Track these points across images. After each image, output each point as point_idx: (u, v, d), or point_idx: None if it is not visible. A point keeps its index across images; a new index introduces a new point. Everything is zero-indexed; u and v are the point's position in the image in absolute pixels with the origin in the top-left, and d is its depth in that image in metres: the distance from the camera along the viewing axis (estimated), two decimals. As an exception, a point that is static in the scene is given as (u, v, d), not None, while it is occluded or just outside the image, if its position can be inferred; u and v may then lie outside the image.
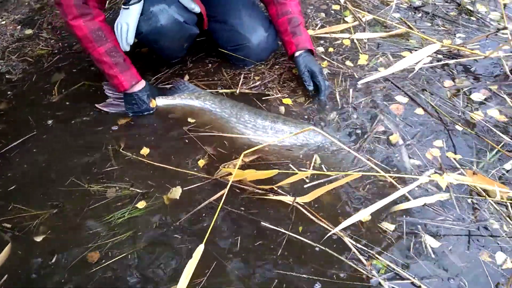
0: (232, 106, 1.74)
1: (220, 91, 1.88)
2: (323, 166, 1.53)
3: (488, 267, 1.26)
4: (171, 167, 1.54)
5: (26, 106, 1.85)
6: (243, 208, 1.41)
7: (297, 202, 1.37)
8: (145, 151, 1.61)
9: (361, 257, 1.26)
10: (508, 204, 1.38)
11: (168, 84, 1.92)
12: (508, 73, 1.88)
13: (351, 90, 1.83)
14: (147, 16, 1.66)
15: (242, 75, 1.94)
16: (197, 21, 1.81)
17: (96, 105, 1.79)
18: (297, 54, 1.82)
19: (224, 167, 1.49)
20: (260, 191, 1.44)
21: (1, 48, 2.21)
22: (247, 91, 1.87)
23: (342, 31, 2.17)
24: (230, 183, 1.24)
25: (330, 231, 1.29)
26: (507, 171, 1.52)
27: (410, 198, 1.40)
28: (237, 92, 1.86)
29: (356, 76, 1.90)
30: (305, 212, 1.37)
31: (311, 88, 1.79)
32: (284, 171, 1.40)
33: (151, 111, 1.77)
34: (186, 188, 1.47)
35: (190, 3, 1.72)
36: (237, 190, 1.46)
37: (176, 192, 1.45)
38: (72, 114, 1.79)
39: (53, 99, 1.88)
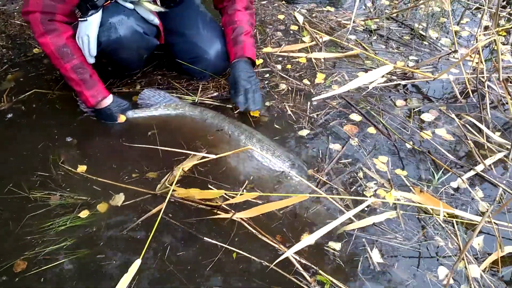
0: (213, 117, 1.73)
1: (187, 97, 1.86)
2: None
3: (433, 285, 1.24)
4: (111, 182, 1.48)
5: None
6: (184, 222, 1.36)
7: (241, 218, 1.32)
8: (81, 168, 1.55)
9: (305, 274, 1.21)
10: (454, 222, 1.38)
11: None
12: (458, 95, 1.94)
13: (307, 107, 1.83)
14: (106, 27, 1.63)
15: (200, 85, 1.93)
16: (156, 33, 1.79)
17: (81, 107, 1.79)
18: (232, 63, 1.81)
19: (165, 181, 1.44)
20: (205, 207, 1.39)
21: None
22: (207, 101, 1.87)
23: (300, 50, 2.19)
24: (167, 198, 1.18)
25: (277, 248, 1.24)
26: (455, 190, 1.53)
27: (355, 220, 1.38)
28: (197, 100, 1.84)
29: (313, 93, 1.91)
30: (249, 227, 1.32)
31: (235, 99, 1.76)
32: (232, 192, 1.36)
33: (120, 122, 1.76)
34: (128, 202, 1.41)
35: (149, 15, 1.71)
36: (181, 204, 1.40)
37: (119, 199, 1.41)
38: (21, 120, 1.74)
39: (2, 107, 1.81)
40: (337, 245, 1.32)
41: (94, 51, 1.64)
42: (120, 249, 1.29)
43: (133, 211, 1.40)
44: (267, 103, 1.85)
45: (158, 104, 1.79)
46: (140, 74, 2.01)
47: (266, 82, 1.98)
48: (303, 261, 1.26)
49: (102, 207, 1.41)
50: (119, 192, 1.45)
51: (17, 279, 1.22)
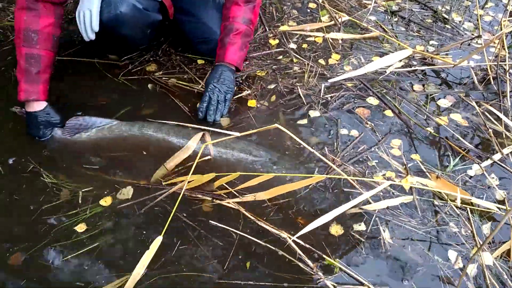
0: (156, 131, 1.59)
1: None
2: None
3: (444, 270, 1.23)
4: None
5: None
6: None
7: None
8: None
9: (308, 261, 1.22)
10: (468, 209, 1.36)
11: (135, 77, 1.84)
12: (476, 82, 1.89)
13: (321, 88, 1.80)
14: (106, 4, 1.59)
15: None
16: (159, 8, 1.75)
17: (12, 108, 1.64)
18: (214, 66, 1.75)
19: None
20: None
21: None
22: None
23: (317, 30, 2.14)
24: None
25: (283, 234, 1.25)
26: (471, 177, 1.51)
27: (371, 201, 1.37)
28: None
29: (327, 75, 1.87)
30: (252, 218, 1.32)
31: (197, 106, 1.67)
32: (247, 173, 1.35)
33: (45, 139, 1.56)
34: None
35: None
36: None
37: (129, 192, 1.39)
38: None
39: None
40: (353, 226, 1.32)
41: (96, 27, 1.60)
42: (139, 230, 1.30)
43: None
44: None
45: (90, 129, 1.58)
46: (151, 56, 1.96)
47: (279, 62, 1.95)
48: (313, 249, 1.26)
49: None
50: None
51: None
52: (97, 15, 1.58)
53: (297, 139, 1.11)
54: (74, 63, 1.90)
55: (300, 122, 1.67)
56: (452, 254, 1.27)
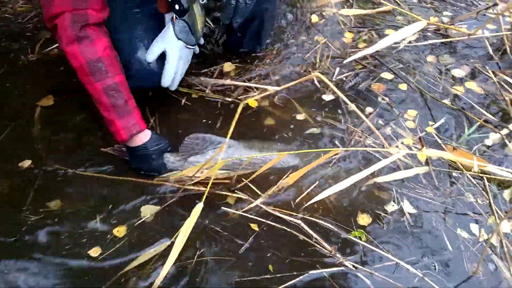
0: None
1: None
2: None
3: (463, 240, 1.26)
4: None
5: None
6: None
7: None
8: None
9: (325, 243, 1.24)
10: (485, 178, 1.37)
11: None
12: (491, 52, 1.87)
13: (336, 67, 1.80)
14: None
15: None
16: None
17: (102, 149, 1.46)
18: None
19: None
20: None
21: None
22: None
23: (328, 5, 2.13)
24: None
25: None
26: (488, 147, 1.51)
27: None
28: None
29: (339, 52, 1.87)
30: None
31: None
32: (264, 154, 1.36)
33: (165, 169, 1.40)
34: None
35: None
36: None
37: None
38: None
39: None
40: (368, 197, 1.35)
41: (150, 59, 1.46)
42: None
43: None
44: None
45: (205, 150, 1.39)
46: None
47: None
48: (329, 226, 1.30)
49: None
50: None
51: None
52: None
53: (337, 91, 1.09)
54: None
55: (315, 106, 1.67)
56: (473, 227, 1.30)
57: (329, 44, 1.92)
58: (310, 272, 1.18)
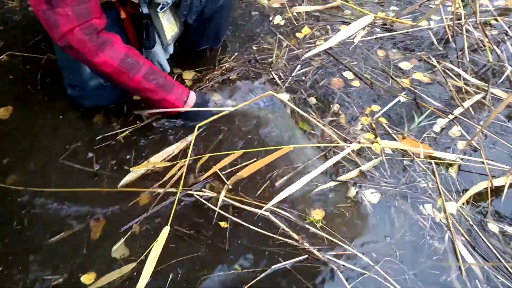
0: None
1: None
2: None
3: (420, 223, 1.35)
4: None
5: None
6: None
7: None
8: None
9: (291, 232, 1.29)
10: (433, 163, 1.47)
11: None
12: (435, 41, 1.98)
13: (294, 64, 1.86)
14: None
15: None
16: None
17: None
18: None
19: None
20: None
21: None
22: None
23: (281, 4, 2.18)
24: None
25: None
26: (436, 133, 1.61)
27: (345, 163, 1.47)
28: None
29: (295, 50, 1.93)
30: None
31: None
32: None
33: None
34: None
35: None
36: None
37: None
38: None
39: None
40: (326, 192, 1.42)
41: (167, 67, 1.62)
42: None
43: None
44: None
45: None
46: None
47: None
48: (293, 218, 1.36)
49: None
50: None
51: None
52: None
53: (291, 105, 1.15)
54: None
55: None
56: (428, 208, 1.39)
57: (284, 41, 1.97)
58: (278, 264, 1.23)
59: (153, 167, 1.40)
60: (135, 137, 1.55)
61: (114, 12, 1.41)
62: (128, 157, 1.48)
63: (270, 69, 1.82)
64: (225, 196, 1.33)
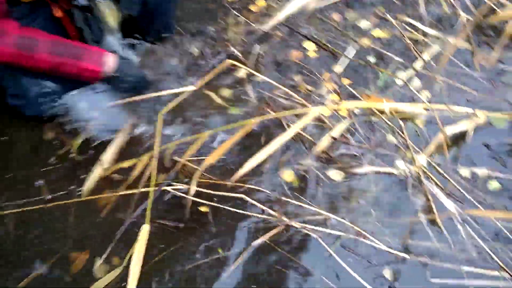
0: None
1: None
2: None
3: (394, 178, 1.38)
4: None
5: None
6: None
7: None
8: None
9: (265, 208, 1.29)
10: (397, 117, 1.48)
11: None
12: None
13: (251, 38, 1.82)
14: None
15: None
16: None
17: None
18: None
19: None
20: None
21: None
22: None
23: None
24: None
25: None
26: (400, 88, 1.62)
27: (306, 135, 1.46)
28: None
29: (252, 24, 1.89)
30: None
31: None
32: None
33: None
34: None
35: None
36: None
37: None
38: None
39: None
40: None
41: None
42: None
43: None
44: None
45: None
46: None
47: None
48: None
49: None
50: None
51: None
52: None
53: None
54: None
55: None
56: (399, 164, 1.41)
57: (240, 17, 1.93)
58: (257, 241, 1.23)
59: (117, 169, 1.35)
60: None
61: (48, 10, 1.34)
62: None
63: (229, 46, 1.79)
64: (198, 185, 1.31)
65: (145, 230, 1.01)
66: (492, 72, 1.69)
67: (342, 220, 1.26)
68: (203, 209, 1.30)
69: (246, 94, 1.62)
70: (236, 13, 1.95)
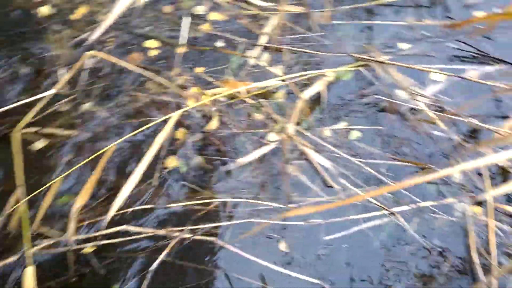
0: None
1: None
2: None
3: (270, 152, 1.39)
4: None
5: None
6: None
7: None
8: None
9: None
10: (256, 98, 1.49)
11: None
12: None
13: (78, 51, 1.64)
14: None
15: None
16: None
17: None
18: None
19: None
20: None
21: None
22: None
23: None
24: None
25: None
26: (253, 67, 1.62)
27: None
28: None
29: (80, 34, 1.70)
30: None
31: None
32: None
33: None
34: None
35: None
36: None
37: None
38: None
39: None
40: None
41: None
42: None
43: None
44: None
45: None
46: None
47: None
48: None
49: None
50: None
51: None
52: None
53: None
54: None
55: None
56: (271, 136, 1.42)
57: (63, 30, 1.72)
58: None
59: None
60: None
61: None
62: None
63: (55, 67, 1.58)
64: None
65: (29, 273, 0.93)
66: (329, 28, 1.79)
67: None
68: (86, 250, 1.16)
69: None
70: (56, 28, 1.72)
